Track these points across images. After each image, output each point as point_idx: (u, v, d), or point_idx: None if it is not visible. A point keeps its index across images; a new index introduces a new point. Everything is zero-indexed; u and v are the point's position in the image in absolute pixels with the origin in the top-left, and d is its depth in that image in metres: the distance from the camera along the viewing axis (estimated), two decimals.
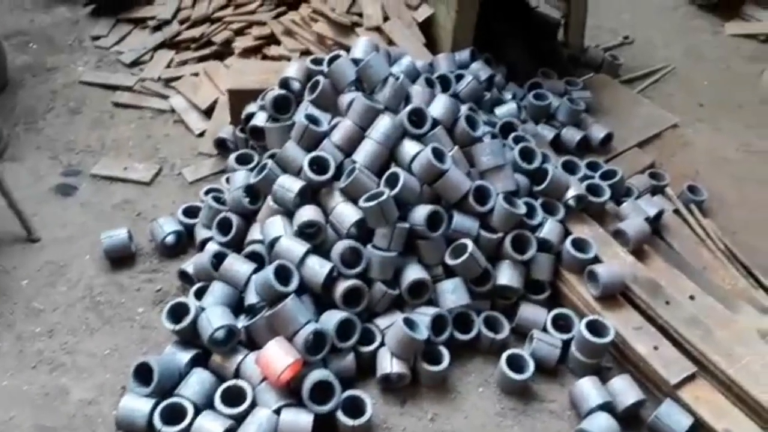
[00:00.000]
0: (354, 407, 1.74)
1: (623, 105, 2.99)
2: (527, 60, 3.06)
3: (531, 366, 1.86)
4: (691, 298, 2.04)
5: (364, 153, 2.02)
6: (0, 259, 2.10)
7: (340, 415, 1.71)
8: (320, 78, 2.19)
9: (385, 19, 2.80)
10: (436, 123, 2.09)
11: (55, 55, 3.06)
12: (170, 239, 2.15)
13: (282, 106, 2.25)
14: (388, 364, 1.83)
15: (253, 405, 1.71)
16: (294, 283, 1.83)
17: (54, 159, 2.51)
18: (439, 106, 2.12)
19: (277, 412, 1.68)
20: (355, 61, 2.21)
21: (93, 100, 2.82)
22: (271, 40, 2.85)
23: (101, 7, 3.28)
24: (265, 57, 2.79)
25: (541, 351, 1.92)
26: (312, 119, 2.09)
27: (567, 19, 3.25)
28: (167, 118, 2.76)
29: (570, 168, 2.34)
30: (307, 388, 1.70)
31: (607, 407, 1.80)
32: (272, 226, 1.98)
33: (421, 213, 1.94)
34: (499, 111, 2.57)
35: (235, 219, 2.06)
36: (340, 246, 1.91)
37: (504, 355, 1.87)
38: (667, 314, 1.95)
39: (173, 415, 1.67)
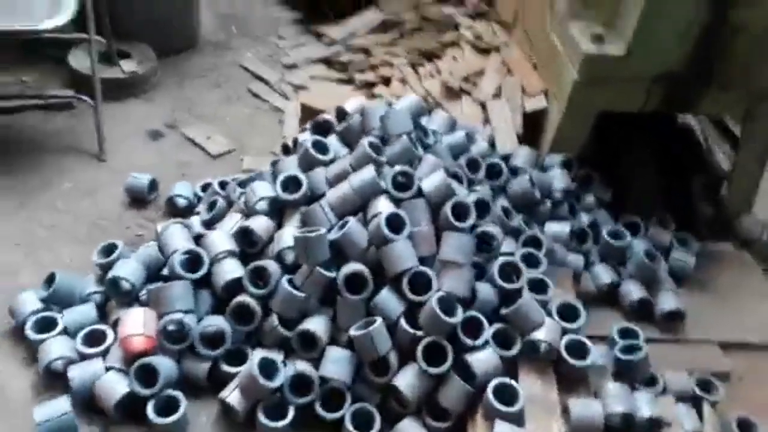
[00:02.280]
0: (169, 406, 1.71)
1: (743, 294, 2.36)
2: (651, 198, 2.61)
3: None
4: None
5: (335, 192, 1.97)
6: (65, 161, 2.55)
7: (150, 408, 1.69)
8: (355, 115, 2.20)
9: (496, 96, 2.68)
10: (420, 194, 1.95)
11: (242, 39, 3.56)
12: (179, 201, 2.36)
13: (324, 131, 2.31)
14: (229, 391, 1.75)
15: (104, 355, 1.81)
16: (198, 273, 1.88)
17: (170, 111, 2.94)
18: (431, 181, 1.96)
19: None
20: None
21: (237, 82, 3.23)
22: (387, 82, 2.93)
23: (303, 18, 3.72)
24: (373, 95, 2.88)
25: None
26: (318, 145, 2.11)
27: (732, 172, 2.70)
28: (277, 116, 3.03)
29: (569, 313, 1.95)
30: (135, 365, 1.73)
31: None
32: (229, 219, 2.06)
33: (345, 270, 1.83)
34: (549, 227, 2.25)
35: (219, 202, 2.18)
36: (257, 262, 1.89)
37: None
38: None
39: (48, 327, 1.85)
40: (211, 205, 2.21)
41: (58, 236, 2.23)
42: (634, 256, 2.24)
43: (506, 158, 2.41)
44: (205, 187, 2.40)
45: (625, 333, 2.02)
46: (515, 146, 2.48)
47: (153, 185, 2.43)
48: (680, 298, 2.19)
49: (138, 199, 2.41)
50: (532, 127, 2.61)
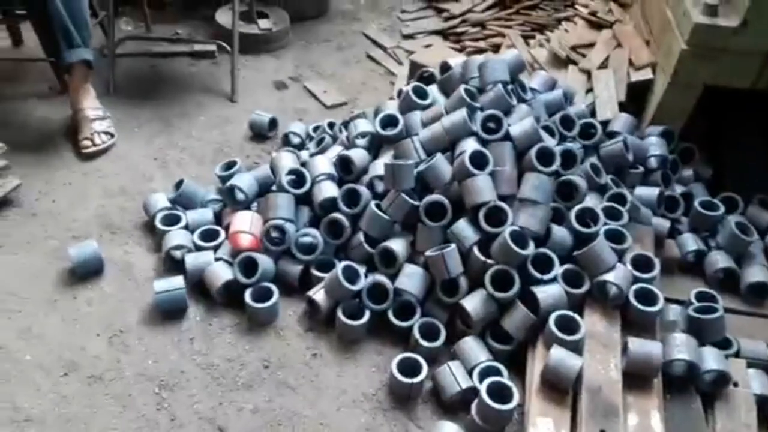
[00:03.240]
0: (264, 296, 1.96)
1: None
2: (755, 180, 2.53)
3: (424, 373, 1.78)
4: None
5: (428, 131, 2.14)
6: (202, 99, 2.93)
7: (247, 294, 1.95)
8: (453, 66, 2.35)
9: (603, 66, 2.71)
10: (508, 138, 2.06)
11: (368, 12, 3.83)
12: (293, 138, 2.63)
13: (427, 82, 2.48)
14: (316, 290, 1.98)
15: (216, 249, 2.10)
16: (301, 190, 2.12)
17: (296, 67, 3.26)
18: (520, 126, 2.06)
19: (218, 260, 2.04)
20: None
21: (358, 48, 3.49)
22: (496, 49, 3.04)
23: None
24: None
25: (443, 381, 1.79)
26: (418, 91, 2.29)
27: None
28: (390, 78, 3.25)
29: (643, 266, 1.97)
30: (240, 257, 2.00)
31: None
32: (332, 150, 2.29)
33: (428, 199, 1.99)
34: (639, 191, 2.27)
35: (326, 138, 2.43)
36: (351, 185, 2.10)
37: (395, 362, 1.80)
38: None
39: (173, 222, 2.18)
40: (319, 141, 2.46)
41: (188, 156, 2.59)
42: (726, 227, 2.21)
43: (605, 124, 2.45)
44: (316, 129, 2.65)
45: (702, 297, 2.02)
46: (614, 112, 2.51)
47: (273, 123, 2.73)
48: None
49: (259, 134, 2.72)
50: (636, 100, 2.62)
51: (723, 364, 1.80)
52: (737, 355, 1.92)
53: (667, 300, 1.98)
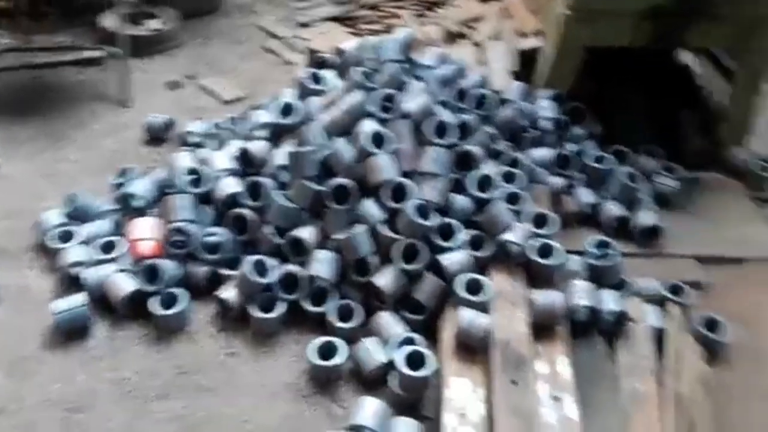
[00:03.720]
0: (171, 300, 1.91)
1: (725, 215, 2.41)
2: (640, 131, 2.68)
3: (342, 355, 1.79)
4: (555, 399, 1.66)
5: (327, 115, 2.14)
6: (93, 107, 2.82)
7: (153, 302, 1.90)
8: (348, 50, 2.36)
9: (494, 38, 2.78)
10: (405, 115, 2.09)
11: (263, 4, 3.77)
12: (191, 138, 2.54)
13: (323, 68, 2.48)
14: (225, 290, 1.95)
15: (118, 260, 2.02)
16: (201, 189, 2.08)
17: (191, 65, 3.18)
18: (415, 102, 2.10)
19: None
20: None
21: (255, 40, 3.44)
22: (391, 30, 3.07)
23: None
24: None
25: (360, 358, 1.81)
26: (315, 77, 2.29)
27: (726, 106, 2.73)
28: (289, 69, 3.20)
29: (542, 223, 2.06)
30: (142, 265, 1.94)
31: None
32: (232, 145, 2.26)
33: (332, 182, 1.99)
34: (533, 152, 2.36)
35: (226, 133, 2.39)
36: (253, 178, 2.08)
37: (312, 345, 1.81)
38: (499, 393, 1.64)
39: (68, 238, 2.08)
40: (218, 137, 2.41)
41: (82, 169, 2.48)
42: (616, 178, 2.33)
43: (498, 93, 2.51)
44: (217, 126, 2.59)
45: (599, 245, 2.12)
46: (507, 81, 2.59)
47: (169, 124, 2.65)
48: (661, 217, 2.27)
49: (155, 137, 2.64)
50: (526, 68, 2.71)
51: (621, 304, 1.90)
52: (633, 294, 2.03)
53: (569, 252, 2.07)
